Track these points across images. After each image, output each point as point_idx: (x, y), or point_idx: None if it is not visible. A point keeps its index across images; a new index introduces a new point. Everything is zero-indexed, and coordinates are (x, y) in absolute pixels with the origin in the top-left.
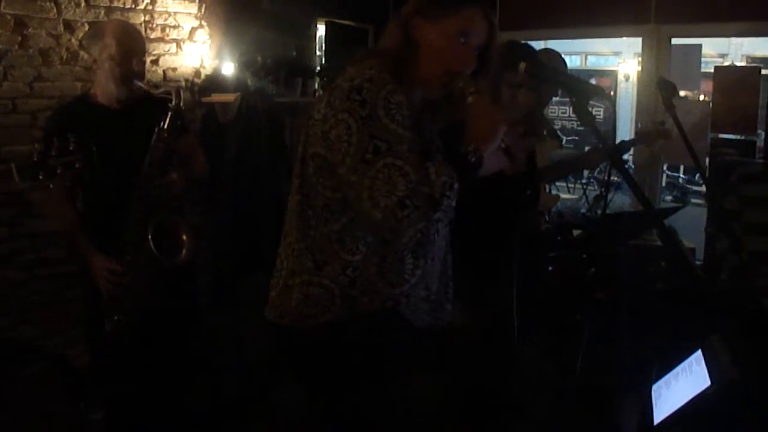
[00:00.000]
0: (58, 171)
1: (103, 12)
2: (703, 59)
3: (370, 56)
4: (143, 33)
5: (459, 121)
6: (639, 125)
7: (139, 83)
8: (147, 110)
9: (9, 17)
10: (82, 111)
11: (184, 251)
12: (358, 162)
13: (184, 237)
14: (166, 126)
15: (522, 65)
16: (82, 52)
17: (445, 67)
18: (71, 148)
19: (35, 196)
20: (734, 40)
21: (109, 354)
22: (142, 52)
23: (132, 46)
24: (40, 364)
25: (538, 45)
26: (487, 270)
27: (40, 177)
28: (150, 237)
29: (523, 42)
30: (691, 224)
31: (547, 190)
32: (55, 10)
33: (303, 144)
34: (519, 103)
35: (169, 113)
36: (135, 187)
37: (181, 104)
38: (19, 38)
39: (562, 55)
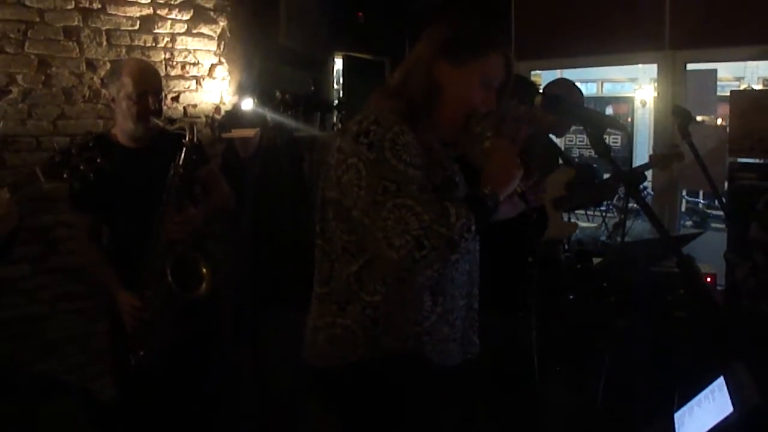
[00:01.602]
0: (81, 168)
1: (124, 50)
2: (719, 83)
3: (388, 97)
4: (164, 71)
5: (476, 162)
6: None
7: (156, 120)
8: (164, 147)
9: (33, 57)
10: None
11: (203, 286)
12: (369, 204)
13: (204, 271)
14: (181, 162)
15: (538, 99)
16: (104, 91)
17: (468, 111)
18: (91, 144)
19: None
20: (750, 63)
21: (135, 388)
22: (159, 89)
23: (147, 84)
24: (64, 399)
25: (553, 74)
26: (505, 302)
27: (65, 176)
28: (168, 272)
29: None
30: (712, 249)
31: (566, 219)
32: (77, 49)
33: (322, 188)
34: None
35: (183, 149)
36: (154, 224)
37: (195, 139)
38: (43, 77)
39: (579, 83)
